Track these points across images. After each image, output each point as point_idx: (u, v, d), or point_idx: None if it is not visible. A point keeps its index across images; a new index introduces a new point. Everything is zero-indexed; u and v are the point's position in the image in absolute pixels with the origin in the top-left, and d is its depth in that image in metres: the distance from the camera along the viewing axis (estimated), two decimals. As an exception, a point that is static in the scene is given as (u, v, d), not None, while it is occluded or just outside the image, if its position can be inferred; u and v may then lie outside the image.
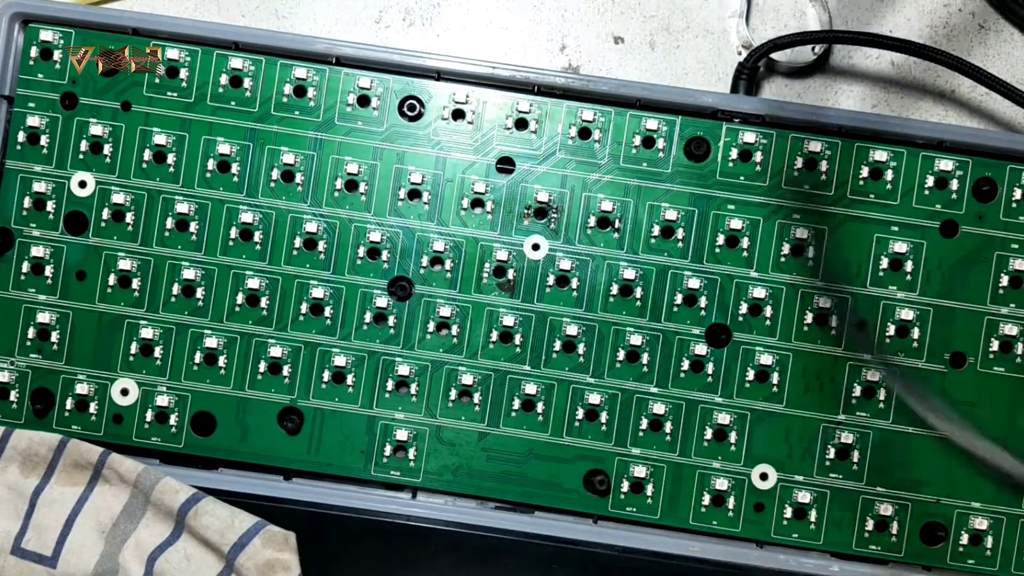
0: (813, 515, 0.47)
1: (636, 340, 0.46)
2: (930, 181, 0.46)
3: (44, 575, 0.44)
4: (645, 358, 0.47)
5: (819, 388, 0.47)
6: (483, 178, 0.47)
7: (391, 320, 0.47)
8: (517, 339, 0.47)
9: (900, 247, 0.46)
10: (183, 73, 0.47)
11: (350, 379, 0.47)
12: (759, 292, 0.46)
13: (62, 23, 0.47)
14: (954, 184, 0.46)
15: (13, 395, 0.47)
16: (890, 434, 0.46)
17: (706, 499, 0.47)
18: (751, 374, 0.47)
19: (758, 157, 0.47)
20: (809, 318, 0.46)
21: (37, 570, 0.44)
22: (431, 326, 0.47)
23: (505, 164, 0.47)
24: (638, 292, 0.46)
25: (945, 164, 0.46)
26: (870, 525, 0.47)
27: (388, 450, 0.47)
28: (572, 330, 0.46)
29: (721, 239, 0.47)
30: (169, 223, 0.47)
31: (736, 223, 0.46)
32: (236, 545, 0.43)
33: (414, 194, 0.47)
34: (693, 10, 0.52)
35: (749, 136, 0.46)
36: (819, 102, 0.52)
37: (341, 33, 0.52)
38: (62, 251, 0.47)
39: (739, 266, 0.47)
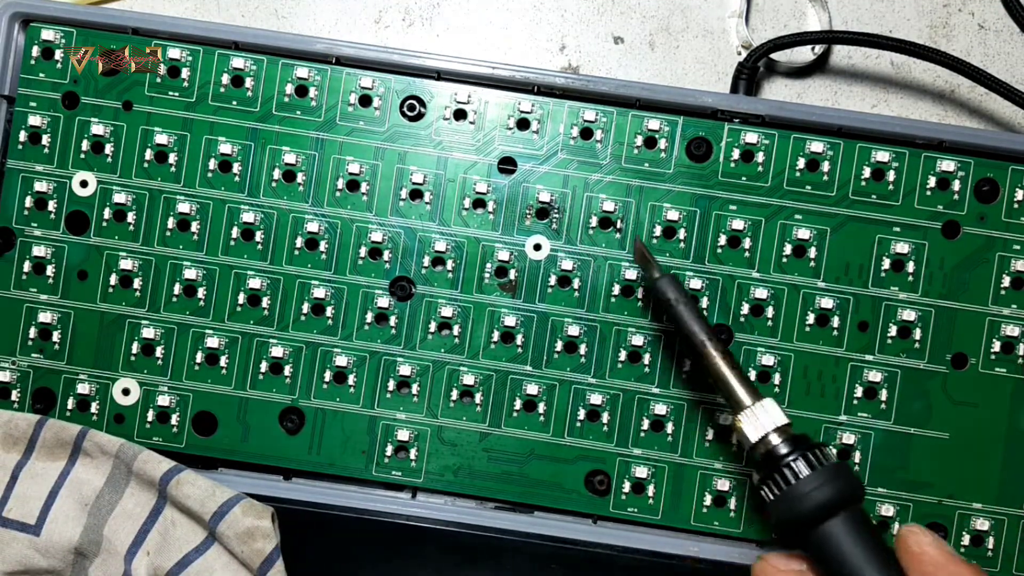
0: (814, 515, 0.47)
1: (638, 340, 0.46)
2: (932, 182, 0.46)
3: (27, 543, 0.44)
4: (647, 358, 0.47)
5: (820, 389, 0.47)
6: (485, 178, 0.47)
7: (392, 320, 0.47)
8: (519, 339, 0.47)
9: (902, 248, 0.46)
10: (184, 73, 0.47)
11: (351, 379, 0.47)
12: (761, 293, 0.46)
13: (62, 23, 0.47)
14: (956, 185, 0.46)
15: (15, 395, 0.47)
16: (892, 435, 0.47)
17: (707, 500, 0.47)
18: (753, 375, 0.47)
19: (760, 158, 0.47)
20: (811, 319, 0.46)
21: (20, 538, 0.44)
22: (432, 326, 0.47)
23: (507, 164, 0.47)
24: (640, 292, 0.46)
25: (947, 165, 0.46)
26: (871, 525, 0.47)
27: (389, 450, 0.47)
28: (574, 330, 0.46)
29: (723, 239, 0.47)
30: (170, 223, 0.47)
31: (738, 223, 0.46)
32: (216, 514, 0.43)
33: (416, 194, 0.47)
34: (693, 10, 0.52)
35: (751, 136, 0.46)
36: (819, 102, 0.52)
37: (341, 33, 0.52)
38: (63, 251, 0.47)
39: (741, 267, 0.47)
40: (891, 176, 0.47)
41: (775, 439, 0.37)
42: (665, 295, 0.41)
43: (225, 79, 0.47)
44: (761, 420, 0.38)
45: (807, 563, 0.37)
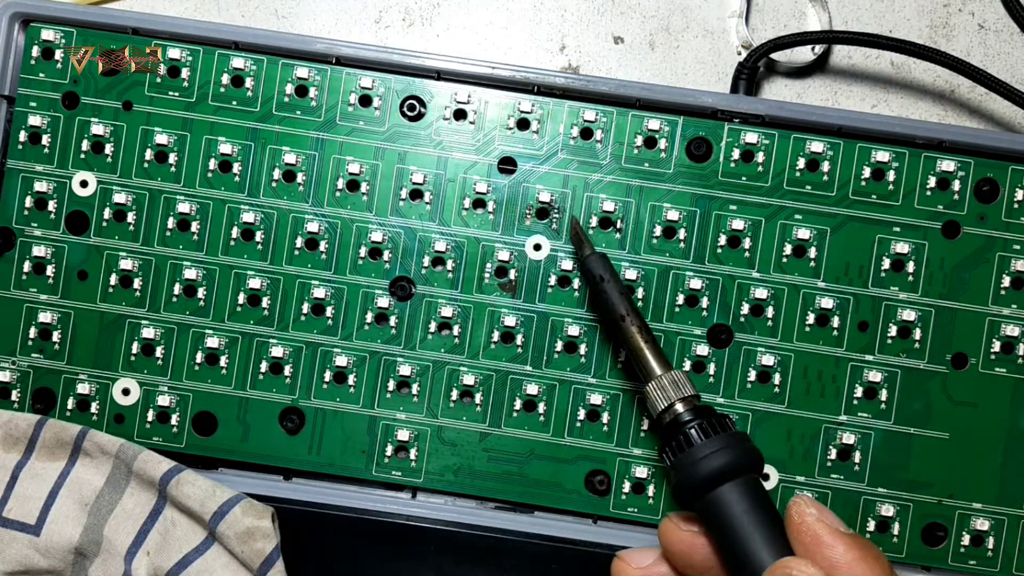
0: (814, 515, 0.47)
1: (638, 340, 0.46)
2: (932, 182, 0.46)
3: (27, 543, 0.44)
4: (647, 358, 0.47)
5: (820, 389, 0.47)
6: (485, 178, 0.47)
7: (392, 320, 0.47)
8: (519, 339, 0.47)
9: (902, 248, 0.46)
10: (184, 73, 0.47)
11: (351, 379, 0.47)
12: (761, 293, 0.46)
13: (62, 23, 0.47)
14: (956, 185, 0.46)
15: (15, 395, 0.47)
16: (892, 435, 0.47)
17: (707, 499, 0.47)
18: (752, 375, 0.47)
19: (760, 158, 0.47)
20: (811, 319, 0.46)
21: (20, 538, 0.44)
22: (432, 326, 0.47)
23: (507, 164, 0.47)
24: (640, 293, 0.46)
25: (947, 165, 0.46)
26: (871, 526, 0.47)
27: (389, 450, 0.47)
28: (574, 330, 0.46)
29: (723, 239, 0.47)
30: (170, 223, 0.47)
31: (738, 223, 0.46)
32: (217, 514, 0.43)
33: (416, 194, 0.47)
34: (693, 10, 0.52)
35: (751, 136, 0.46)
36: (819, 102, 0.52)
37: (341, 33, 0.52)
38: (63, 251, 0.47)
39: (741, 266, 0.47)
40: (891, 176, 0.47)
41: (680, 407, 0.38)
42: (594, 271, 0.42)
43: (225, 79, 0.47)
44: (669, 390, 0.39)
45: (702, 527, 0.37)
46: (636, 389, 0.47)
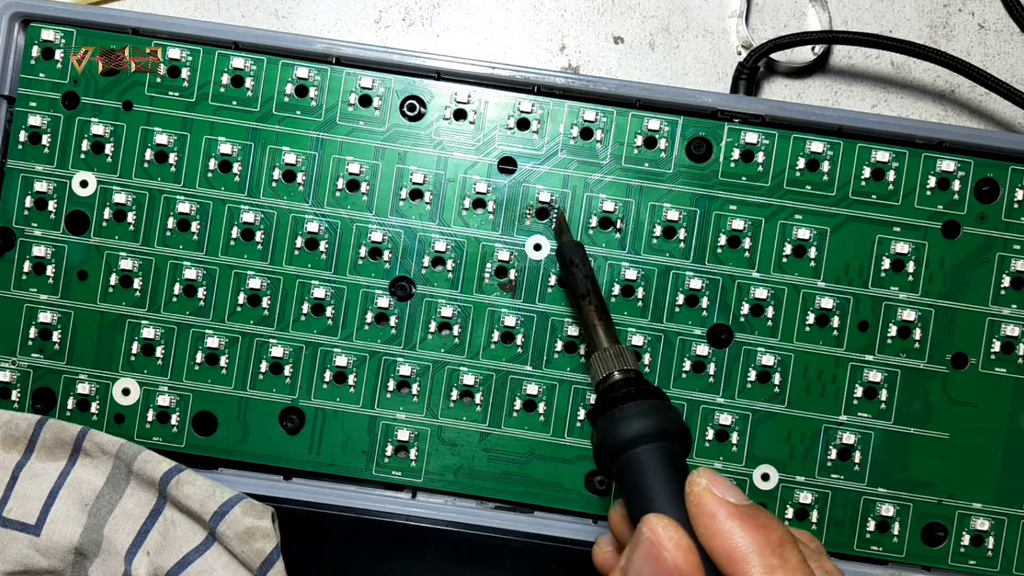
0: (815, 516, 0.47)
1: (638, 341, 0.46)
2: (932, 182, 0.46)
3: (27, 543, 0.44)
4: (647, 359, 0.47)
5: (820, 389, 0.47)
6: (485, 178, 0.47)
7: (392, 320, 0.47)
8: (519, 339, 0.47)
9: (902, 248, 0.46)
10: (184, 73, 0.47)
11: (351, 379, 0.47)
12: (761, 292, 0.46)
13: (62, 23, 0.47)
14: (956, 185, 0.46)
15: (15, 395, 0.47)
16: (892, 435, 0.47)
17: (707, 499, 0.47)
18: (753, 375, 0.47)
19: (760, 158, 0.47)
20: (811, 319, 0.46)
21: (20, 538, 0.44)
22: (432, 326, 0.47)
23: (507, 164, 0.47)
24: (640, 292, 0.46)
25: (947, 165, 0.46)
26: (871, 526, 0.47)
27: (389, 450, 0.47)
28: (573, 331, 0.46)
29: (723, 239, 0.47)
30: (170, 223, 0.47)
31: (738, 223, 0.46)
32: (217, 514, 0.43)
33: (416, 194, 0.47)
34: (693, 10, 0.52)
35: (751, 136, 0.46)
36: (819, 102, 0.52)
37: (341, 33, 0.52)
38: (63, 251, 0.47)
39: (741, 266, 0.47)
40: (891, 176, 0.47)
41: (617, 376, 0.38)
42: (567, 255, 0.43)
43: (225, 79, 0.47)
44: (611, 361, 0.39)
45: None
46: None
